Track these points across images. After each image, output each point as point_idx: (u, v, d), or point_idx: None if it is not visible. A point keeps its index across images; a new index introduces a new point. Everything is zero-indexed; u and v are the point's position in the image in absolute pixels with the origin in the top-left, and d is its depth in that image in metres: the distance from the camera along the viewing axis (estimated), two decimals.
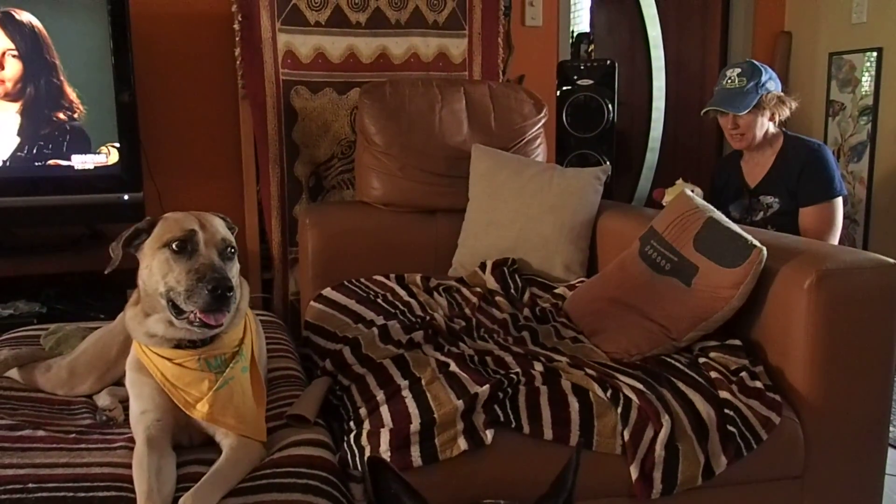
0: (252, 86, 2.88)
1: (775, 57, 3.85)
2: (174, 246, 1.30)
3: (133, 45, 2.61)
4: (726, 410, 1.51)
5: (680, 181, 2.59)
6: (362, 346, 1.75)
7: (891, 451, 1.84)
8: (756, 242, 1.65)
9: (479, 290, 2.25)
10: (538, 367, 1.58)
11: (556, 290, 2.25)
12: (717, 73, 4.38)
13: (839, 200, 2.49)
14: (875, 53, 3.34)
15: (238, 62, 2.88)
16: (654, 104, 4.43)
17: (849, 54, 3.49)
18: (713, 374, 1.60)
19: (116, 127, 2.61)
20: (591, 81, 3.33)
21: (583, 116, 3.35)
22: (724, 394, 1.54)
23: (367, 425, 1.43)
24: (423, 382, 1.51)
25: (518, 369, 1.55)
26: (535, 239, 2.44)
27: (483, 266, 2.39)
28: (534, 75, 3.35)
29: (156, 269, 1.31)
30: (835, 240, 2.47)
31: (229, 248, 1.35)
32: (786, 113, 2.56)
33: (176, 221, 1.35)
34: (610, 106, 3.32)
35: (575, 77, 3.35)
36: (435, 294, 2.23)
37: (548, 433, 1.44)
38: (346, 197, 3.04)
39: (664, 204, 2.32)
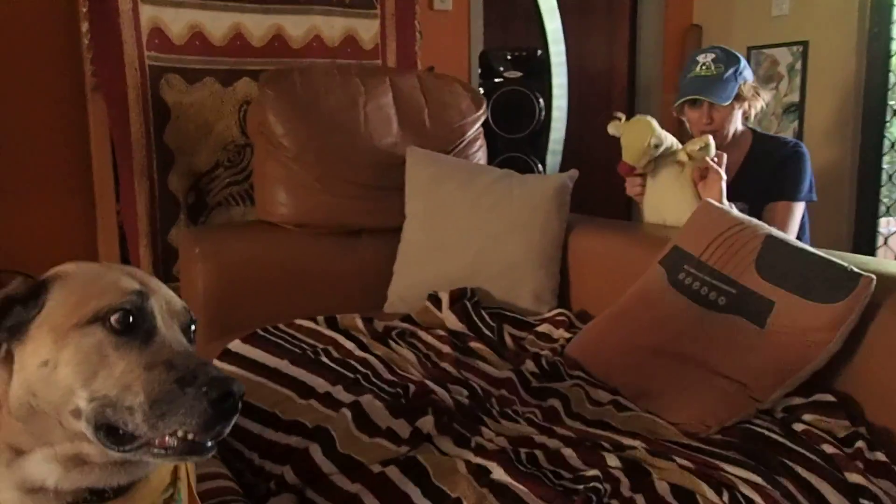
0: (106, 73, 2.22)
1: (684, 52, 3.64)
2: (113, 321, 0.72)
3: None
4: (862, 500, 1.12)
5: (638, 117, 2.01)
6: (336, 443, 1.20)
7: None
8: (860, 270, 1.27)
9: (441, 332, 1.75)
10: (611, 460, 1.11)
11: (537, 329, 1.82)
12: (626, 69, 4.17)
13: (802, 205, 2.25)
14: (800, 48, 3.18)
15: (86, 41, 2.19)
16: (556, 103, 4.08)
17: (770, 48, 3.31)
18: (827, 448, 1.21)
19: None
20: (519, 74, 2.90)
21: (511, 114, 2.91)
22: (853, 477, 1.15)
23: None
24: None
25: (595, 471, 1.07)
26: (496, 264, 1.99)
27: (435, 299, 1.90)
28: (444, 66, 2.87)
29: (69, 368, 0.72)
30: None
31: (192, 325, 0.79)
32: (760, 106, 2.28)
33: (99, 279, 0.77)
34: (542, 101, 2.91)
35: (501, 69, 2.91)
36: (391, 343, 1.70)
37: None
38: (234, 216, 2.43)
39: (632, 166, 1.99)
